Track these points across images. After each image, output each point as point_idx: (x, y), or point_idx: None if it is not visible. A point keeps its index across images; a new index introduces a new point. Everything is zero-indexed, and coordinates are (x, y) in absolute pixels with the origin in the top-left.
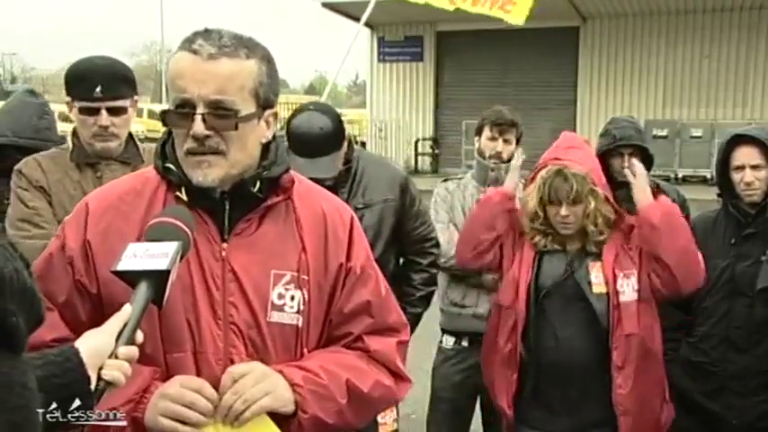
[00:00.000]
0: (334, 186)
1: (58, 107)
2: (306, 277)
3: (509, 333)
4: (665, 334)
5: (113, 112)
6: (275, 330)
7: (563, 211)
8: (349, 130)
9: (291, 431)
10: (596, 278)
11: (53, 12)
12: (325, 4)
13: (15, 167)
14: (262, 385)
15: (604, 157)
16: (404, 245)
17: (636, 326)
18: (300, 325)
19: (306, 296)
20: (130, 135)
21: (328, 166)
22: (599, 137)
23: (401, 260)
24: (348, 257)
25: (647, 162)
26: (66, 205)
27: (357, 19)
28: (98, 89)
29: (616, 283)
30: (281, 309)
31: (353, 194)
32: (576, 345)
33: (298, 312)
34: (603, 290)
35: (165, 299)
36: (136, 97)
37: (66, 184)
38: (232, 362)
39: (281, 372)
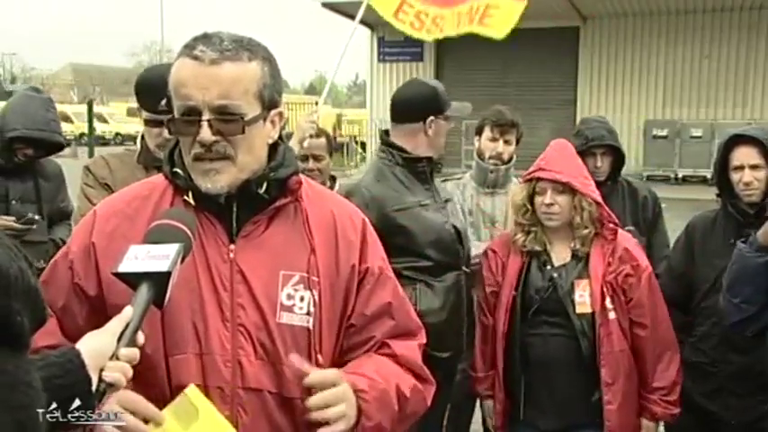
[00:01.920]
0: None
1: (57, 107)
2: (316, 279)
3: (492, 354)
4: None
5: None
6: (285, 332)
7: (547, 199)
8: (349, 130)
9: None
10: (580, 297)
11: (53, 12)
12: (325, 4)
13: (84, 165)
14: (341, 407)
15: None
16: None
17: (623, 342)
18: (311, 327)
19: (316, 298)
20: None
21: None
22: (572, 137)
23: None
24: (362, 259)
25: (619, 162)
26: None
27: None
28: (163, 102)
29: (604, 299)
30: (290, 310)
31: (437, 189)
32: (560, 359)
33: (308, 314)
34: (587, 309)
35: (167, 300)
36: None
37: (131, 183)
38: (240, 364)
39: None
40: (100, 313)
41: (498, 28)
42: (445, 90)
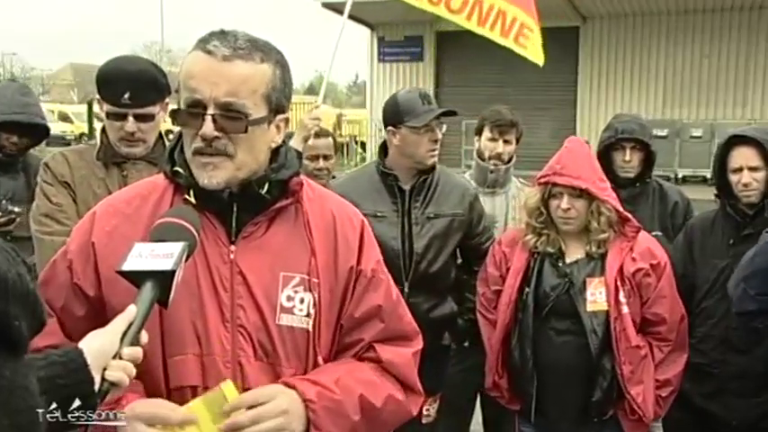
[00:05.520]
0: (411, 194)
1: (57, 107)
2: (316, 280)
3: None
4: None
5: (141, 118)
6: (285, 333)
7: (564, 204)
8: (349, 130)
9: None
10: (592, 295)
11: (53, 12)
12: (325, 5)
13: (43, 161)
14: (279, 420)
15: (607, 151)
16: (469, 256)
17: (636, 338)
18: (311, 329)
19: (316, 299)
20: (160, 135)
21: None
22: (602, 132)
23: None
24: (359, 261)
25: (649, 160)
26: (91, 202)
27: (357, 19)
28: (126, 95)
29: (618, 293)
30: (290, 311)
31: (427, 204)
32: (571, 364)
33: (308, 315)
34: (600, 307)
35: (171, 299)
36: (167, 99)
37: (91, 180)
38: (240, 364)
39: (294, 386)
40: (99, 313)
41: (535, 54)
42: (445, 89)
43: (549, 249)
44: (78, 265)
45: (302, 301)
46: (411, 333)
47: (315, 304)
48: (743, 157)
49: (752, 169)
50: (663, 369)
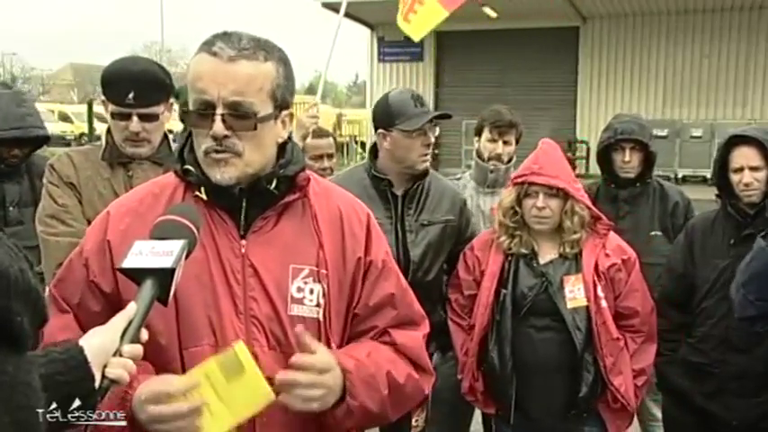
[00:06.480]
0: (403, 200)
1: (57, 107)
2: (325, 271)
3: (477, 355)
4: (666, 335)
5: (145, 118)
6: (296, 323)
7: (539, 202)
8: (349, 130)
9: (337, 415)
10: (570, 292)
11: (53, 12)
12: (325, 5)
13: (48, 162)
14: (319, 392)
15: (606, 152)
16: (456, 262)
17: (615, 330)
18: (321, 318)
19: (325, 290)
20: (165, 135)
21: None
22: (602, 132)
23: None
24: (366, 252)
25: (649, 160)
26: (96, 203)
27: (357, 19)
28: (130, 95)
29: (596, 288)
30: (300, 302)
31: (420, 211)
32: (550, 362)
33: (317, 305)
34: (580, 303)
35: (171, 296)
36: (172, 100)
37: (96, 181)
38: (254, 354)
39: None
40: (116, 309)
41: (415, 28)
42: (445, 89)
43: (523, 250)
44: (95, 263)
45: (312, 291)
46: (419, 318)
47: (324, 294)
48: (744, 156)
49: (753, 169)
50: (636, 359)
